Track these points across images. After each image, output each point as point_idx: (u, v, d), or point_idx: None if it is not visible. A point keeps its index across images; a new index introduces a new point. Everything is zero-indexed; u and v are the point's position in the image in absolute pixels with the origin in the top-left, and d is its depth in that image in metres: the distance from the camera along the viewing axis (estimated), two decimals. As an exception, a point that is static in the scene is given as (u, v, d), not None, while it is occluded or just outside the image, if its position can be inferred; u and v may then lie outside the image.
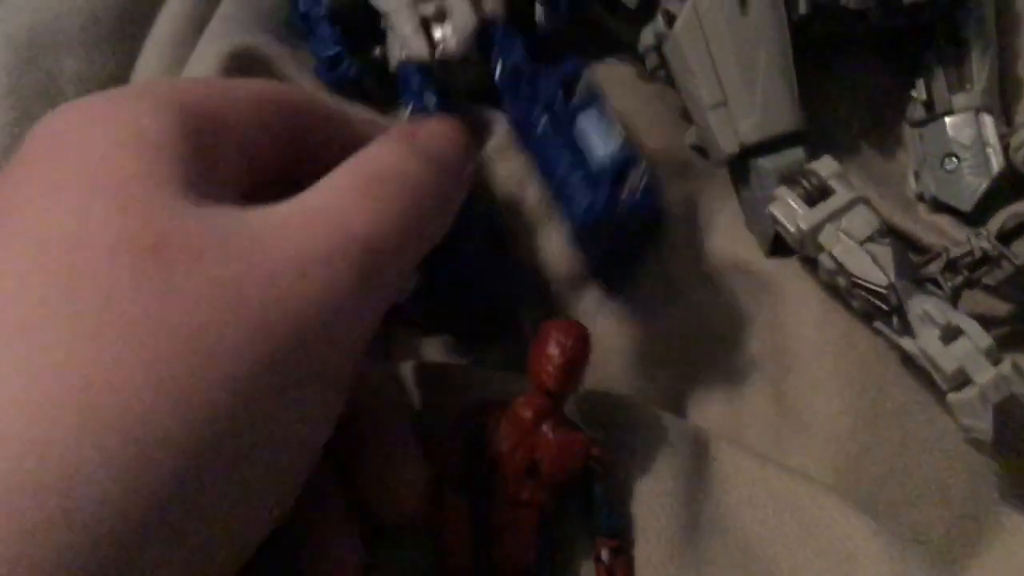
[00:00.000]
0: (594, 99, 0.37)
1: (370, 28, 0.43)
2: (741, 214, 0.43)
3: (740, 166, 0.41)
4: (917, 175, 0.43)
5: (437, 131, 0.32)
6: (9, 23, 0.45)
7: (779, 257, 0.41)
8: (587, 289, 0.41)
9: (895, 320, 0.37)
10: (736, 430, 0.40)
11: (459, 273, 0.37)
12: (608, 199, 0.35)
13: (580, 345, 0.33)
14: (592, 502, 0.34)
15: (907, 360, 0.38)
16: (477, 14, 0.41)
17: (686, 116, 0.43)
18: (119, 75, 0.46)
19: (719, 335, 0.41)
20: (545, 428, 0.33)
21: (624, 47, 0.45)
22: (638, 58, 0.44)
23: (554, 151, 0.37)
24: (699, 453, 0.36)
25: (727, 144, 0.40)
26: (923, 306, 0.36)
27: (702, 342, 0.41)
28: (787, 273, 0.41)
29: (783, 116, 0.40)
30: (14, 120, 0.43)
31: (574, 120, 0.37)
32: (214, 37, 0.44)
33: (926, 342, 0.36)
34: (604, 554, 0.34)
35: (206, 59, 0.43)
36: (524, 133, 0.40)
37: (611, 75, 0.46)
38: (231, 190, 0.28)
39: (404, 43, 0.41)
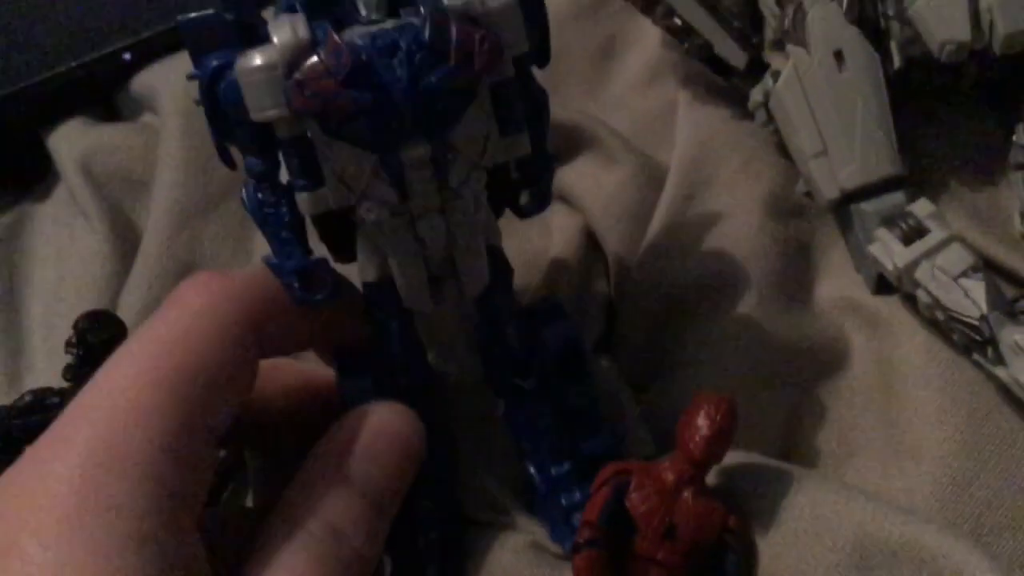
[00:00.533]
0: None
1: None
2: (849, 255, 0.45)
3: (844, 211, 0.44)
4: (1022, 215, 0.45)
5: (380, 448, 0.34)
6: (182, 76, 0.52)
7: (885, 295, 0.44)
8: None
9: (990, 351, 0.39)
10: (846, 455, 0.42)
11: None
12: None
13: (728, 419, 0.35)
14: (724, 573, 0.36)
15: (1006, 390, 0.40)
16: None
17: (798, 163, 0.46)
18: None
19: (829, 367, 0.44)
20: (686, 494, 0.35)
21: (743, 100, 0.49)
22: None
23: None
24: (858, 534, 0.37)
25: (829, 190, 0.43)
26: (1014, 336, 0.38)
27: (813, 373, 0.44)
28: (892, 309, 0.44)
29: (881, 163, 0.43)
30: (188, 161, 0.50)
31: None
32: None
33: (1017, 371, 0.38)
34: None
35: None
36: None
37: (730, 123, 0.50)
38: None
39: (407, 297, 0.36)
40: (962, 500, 0.40)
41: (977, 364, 0.40)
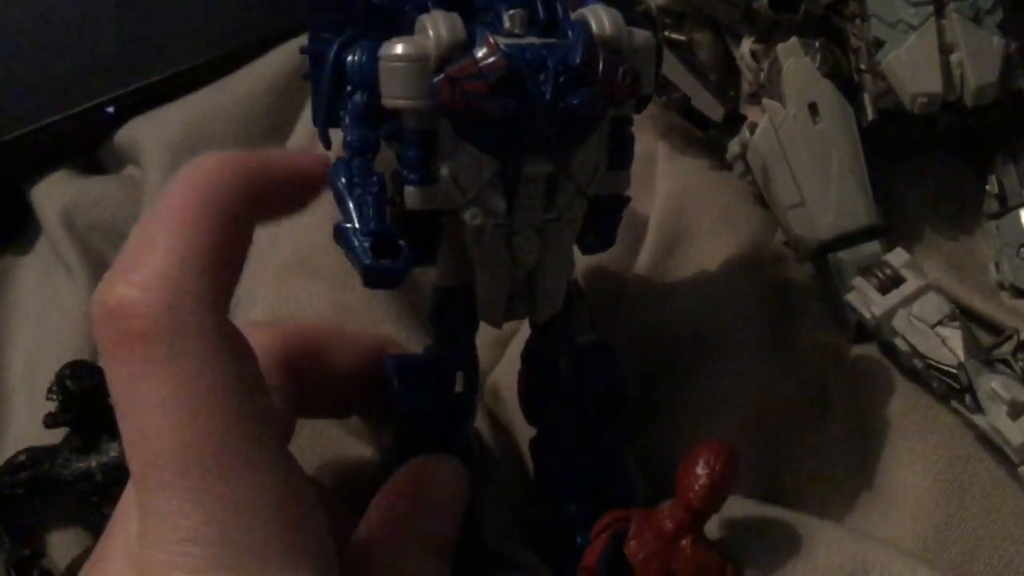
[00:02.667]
0: None
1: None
2: (827, 303, 0.46)
3: (822, 260, 0.45)
4: (997, 264, 0.46)
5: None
6: (165, 128, 0.52)
7: (863, 343, 0.44)
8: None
9: (968, 398, 0.39)
10: (828, 505, 0.43)
11: None
12: None
13: (728, 468, 0.35)
14: None
15: (985, 437, 0.40)
16: None
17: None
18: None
19: (808, 417, 0.44)
20: (684, 543, 0.35)
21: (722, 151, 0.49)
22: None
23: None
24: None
25: (807, 241, 0.44)
26: (991, 384, 0.38)
27: (794, 424, 0.44)
28: (871, 357, 0.44)
29: (857, 213, 0.43)
30: None
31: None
32: None
33: (994, 418, 0.38)
34: None
35: None
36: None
37: (708, 174, 0.50)
38: None
39: None
40: (945, 549, 0.40)
41: (955, 411, 0.41)
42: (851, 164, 0.43)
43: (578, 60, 0.31)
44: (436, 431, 0.37)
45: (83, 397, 0.43)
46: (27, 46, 0.56)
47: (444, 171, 0.31)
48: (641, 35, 0.33)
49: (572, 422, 0.39)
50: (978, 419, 0.39)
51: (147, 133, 0.54)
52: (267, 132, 0.52)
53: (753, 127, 0.45)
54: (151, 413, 0.27)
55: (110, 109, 0.55)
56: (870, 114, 0.44)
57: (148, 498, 0.27)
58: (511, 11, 0.32)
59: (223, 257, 0.30)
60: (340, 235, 0.32)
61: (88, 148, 0.57)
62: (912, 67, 0.43)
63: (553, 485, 0.40)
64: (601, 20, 0.31)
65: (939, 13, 0.43)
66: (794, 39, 0.44)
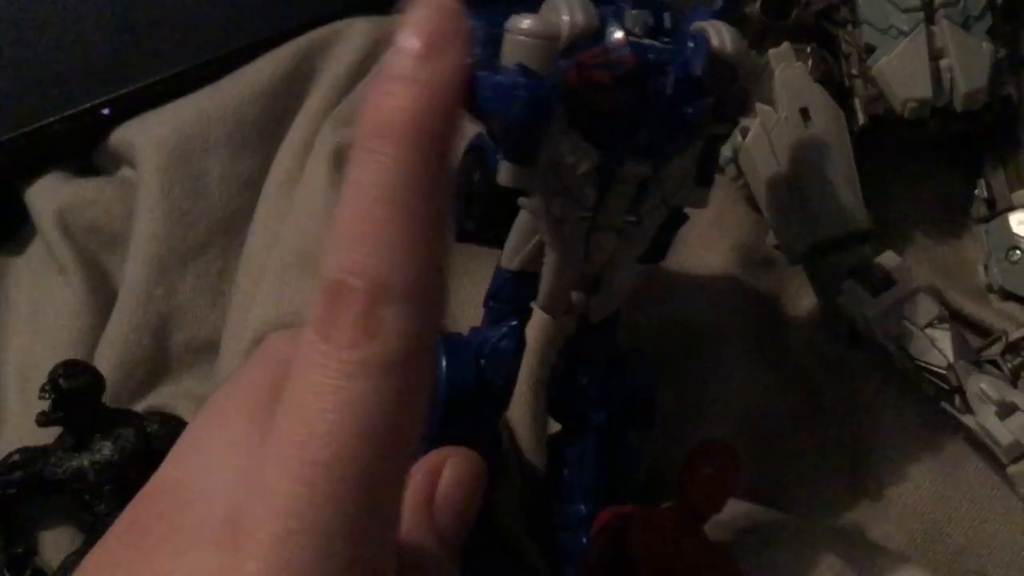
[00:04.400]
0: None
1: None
2: (818, 306, 0.46)
3: (813, 263, 0.45)
4: (986, 267, 0.46)
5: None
6: (159, 130, 0.52)
7: (854, 345, 0.45)
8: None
9: (957, 399, 0.40)
10: (820, 506, 0.43)
11: None
12: None
13: (732, 469, 0.35)
14: None
15: (974, 438, 0.40)
16: None
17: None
18: (258, 176, 0.52)
19: (802, 419, 0.45)
20: (685, 542, 0.36)
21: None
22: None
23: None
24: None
25: (798, 244, 0.44)
26: (980, 385, 0.39)
27: (786, 426, 0.45)
28: (863, 360, 0.45)
29: (848, 217, 0.44)
30: (167, 214, 0.50)
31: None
32: (324, 139, 0.51)
33: (983, 418, 0.38)
34: None
35: (319, 159, 0.49)
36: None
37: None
38: None
39: None
40: (934, 548, 0.41)
41: (945, 412, 0.41)
42: (842, 168, 0.44)
43: (699, 71, 0.30)
44: (476, 418, 0.37)
45: (76, 396, 0.43)
46: (22, 47, 0.56)
47: (544, 155, 0.31)
48: (752, 57, 0.33)
49: (599, 423, 0.39)
50: (967, 419, 0.39)
51: (141, 135, 0.54)
52: (261, 134, 0.52)
53: (745, 131, 0.46)
54: None
55: (105, 111, 0.55)
56: (861, 119, 0.45)
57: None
58: (634, 11, 0.31)
59: None
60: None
61: (83, 149, 0.57)
62: (902, 72, 0.43)
63: (567, 483, 0.40)
64: (723, 36, 0.31)
65: (929, 19, 0.43)
66: (786, 44, 0.45)
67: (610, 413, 0.39)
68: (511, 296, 0.36)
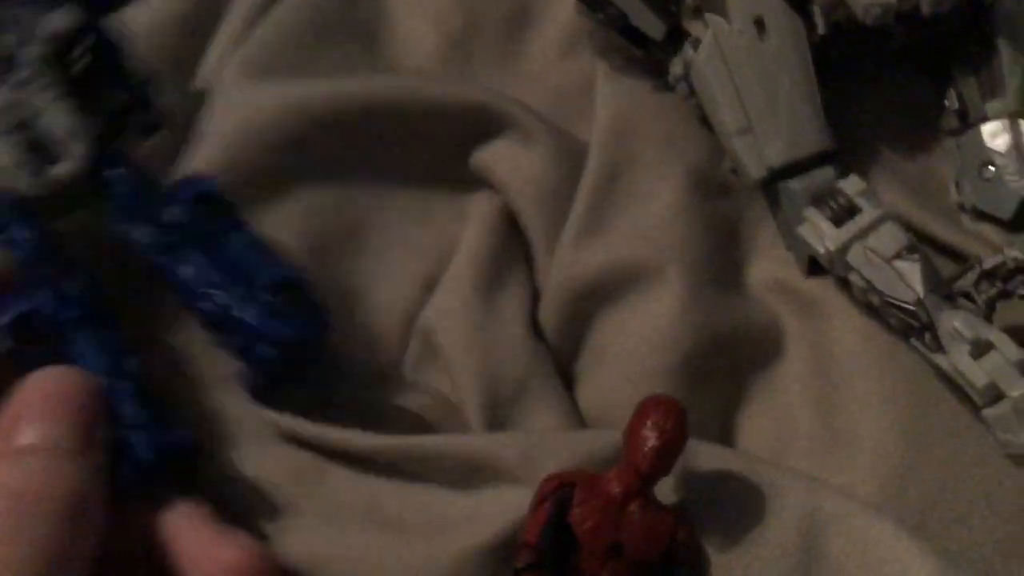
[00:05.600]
0: (237, 221, 0.38)
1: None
2: (779, 234, 0.43)
3: (772, 189, 0.41)
4: (958, 185, 0.43)
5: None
6: None
7: (818, 277, 0.42)
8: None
9: (928, 337, 0.37)
10: (783, 447, 0.40)
11: None
12: (281, 319, 0.36)
13: (678, 428, 0.33)
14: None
15: (946, 377, 0.37)
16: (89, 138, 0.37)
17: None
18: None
19: (763, 356, 0.42)
20: (632, 508, 0.33)
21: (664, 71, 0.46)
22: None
23: (203, 274, 0.37)
24: (801, 528, 0.36)
25: (755, 169, 0.41)
26: (953, 322, 0.36)
27: (747, 364, 0.42)
28: (826, 292, 0.41)
29: (809, 138, 0.40)
30: None
31: (220, 241, 0.37)
32: None
33: (956, 358, 0.36)
34: None
35: None
36: (160, 261, 0.38)
37: (652, 96, 0.46)
38: None
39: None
40: (906, 494, 0.38)
41: (915, 349, 0.38)
42: (801, 84, 0.40)
43: None
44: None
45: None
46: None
47: None
48: None
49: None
50: (939, 359, 0.36)
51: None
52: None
53: (696, 43, 0.42)
54: None
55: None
56: (821, 28, 0.41)
57: None
58: None
59: None
60: None
61: None
62: (865, -26, 0.39)
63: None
64: None
65: (894, -84, 0.39)
66: (737, -52, 0.41)
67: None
68: None
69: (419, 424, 0.41)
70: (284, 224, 0.42)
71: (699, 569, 0.35)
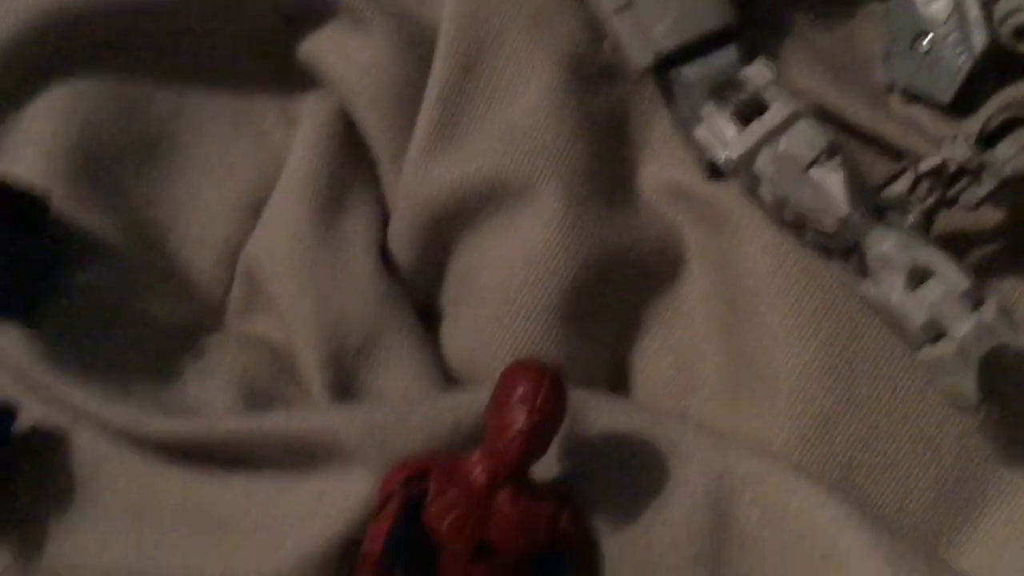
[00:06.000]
0: None
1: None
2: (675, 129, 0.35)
3: (662, 78, 0.34)
4: (887, 59, 0.35)
5: None
6: None
7: (723, 180, 0.34)
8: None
9: (853, 260, 0.30)
10: (685, 390, 0.34)
11: None
12: None
13: (552, 402, 0.26)
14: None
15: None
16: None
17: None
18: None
19: (661, 278, 0.35)
20: (501, 498, 0.27)
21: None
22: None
23: None
24: (710, 498, 0.30)
25: (640, 55, 0.33)
26: (883, 244, 0.29)
27: (640, 287, 0.35)
28: (732, 198, 0.34)
29: (704, 13, 0.32)
30: None
31: None
32: None
33: (887, 289, 0.29)
34: None
35: None
36: None
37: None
38: None
39: None
40: (830, 440, 0.32)
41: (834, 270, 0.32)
42: (692, -56, 0.32)
43: None
44: None
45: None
46: None
47: None
48: None
49: None
50: (866, 288, 0.30)
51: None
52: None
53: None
54: None
55: None
56: None
57: None
58: None
59: None
60: None
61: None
62: None
63: None
64: None
65: None
66: None
67: None
68: None
69: (244, 387, 0.34)
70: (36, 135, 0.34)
71: (590, 557, 0.29)
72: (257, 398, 0.34)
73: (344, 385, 0.34)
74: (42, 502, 0.31)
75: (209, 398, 0.33)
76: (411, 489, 0.27)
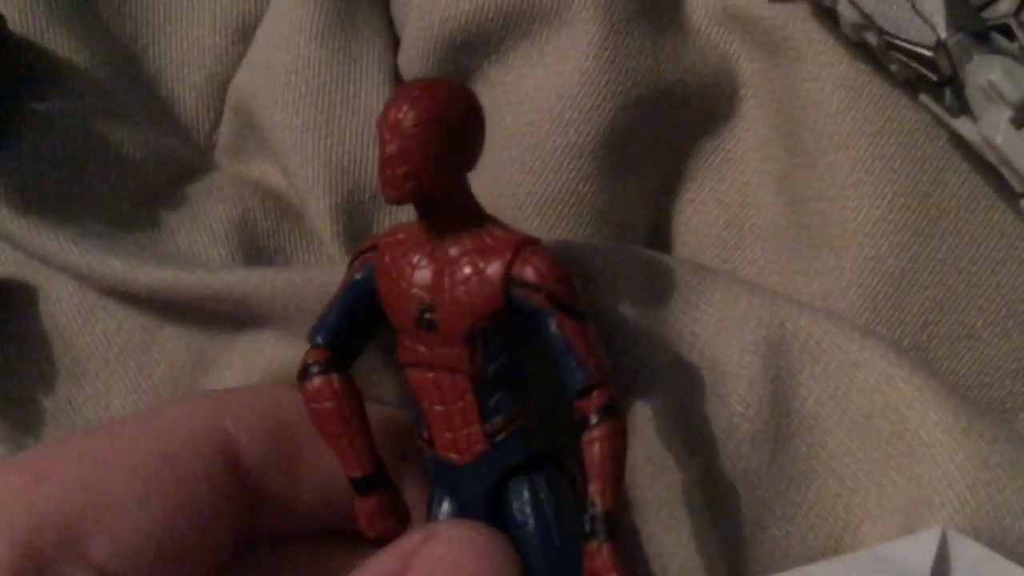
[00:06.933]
0: None
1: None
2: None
3: None
4: None
5: None
6: None
7: (786, 0, 0.29)
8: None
9: (948, 95, 0.25)
10: (736, 245, 0.31)
11: None
12: None
13: (411, 116, 0.20)
14: (550, 347, 0.22)
15: (962, 143, 0.27)
16: None
17: None
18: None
19: (710, 115, 0.31)
20: (433, 252, 0.22)
21: None
22: None
23: None
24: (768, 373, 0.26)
25: None
26: (988, 74, 0.24)
27: (689, 127, 0.31)
28: (799, 21, 0.29)
29: None
30: None
31: None
32: None
33: (992, 127, 0.24)
34: (596, 417, 0.21)
35: None
36: None
37: None
38: None
39: None
40: (902, 304, 0.29)
41: (925, 107, 0.27)
42: None
43: None
44: None
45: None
46: None
47: None
48: None
49: None
50: (962, 126, 0.25)
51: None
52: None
53: None
54: None
55: None
56: None
57: None
58: None
59: None
60: None
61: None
62: None
63: None
64: None
65: None
66: None
67: None
68: None
69: (242, 239, 0.30)
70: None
71: (577, 318, 0.22)
72: (257, 251, 0.30)
73: (359, 233, 0.29)
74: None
75: (200, 252, 0.29)
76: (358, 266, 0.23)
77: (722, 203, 0.31)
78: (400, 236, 0.23)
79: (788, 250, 0.30)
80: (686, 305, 0.26)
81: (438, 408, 0.22)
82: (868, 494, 0.25)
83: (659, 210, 0.31)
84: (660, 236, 0.31)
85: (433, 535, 0.22)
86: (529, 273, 0.21)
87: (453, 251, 0.22)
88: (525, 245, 0.22)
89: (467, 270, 0.22)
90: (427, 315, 0.22)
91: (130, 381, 0.28)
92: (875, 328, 0.28)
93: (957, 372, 0.28)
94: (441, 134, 0.21)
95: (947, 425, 0.25)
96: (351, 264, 0.24)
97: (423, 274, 0.22)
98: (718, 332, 0.26)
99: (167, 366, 0.28)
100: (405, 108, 0.20)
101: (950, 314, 0.28)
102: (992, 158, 0.25)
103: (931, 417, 0.25)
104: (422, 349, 0.22)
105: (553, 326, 0.21)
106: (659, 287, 0.27)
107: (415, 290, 0.22)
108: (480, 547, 0.22)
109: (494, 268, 0.21)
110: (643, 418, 0.25)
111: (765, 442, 0.26)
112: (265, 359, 0.27)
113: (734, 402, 0.26)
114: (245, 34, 0.32)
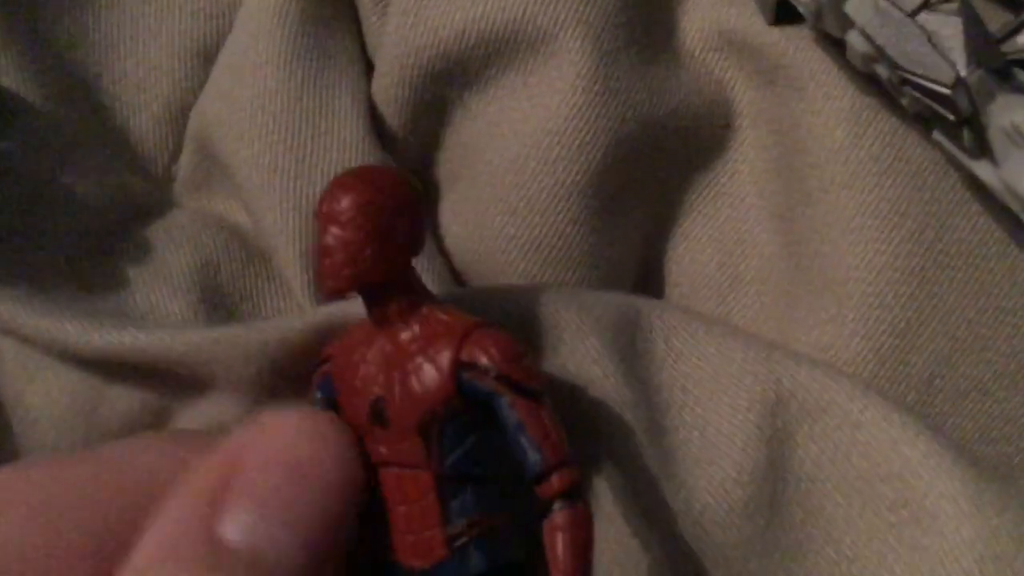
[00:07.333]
0: None
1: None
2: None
3: None
4: None
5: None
6: None
7: (787, 26, 0.28)
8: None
9: (966, 134, 0.24)
10: (729, 289, 0.29)
11: None
12: None
13: (345, 204, 0.20)
14: (504, 431, 0.20)
15: (973, 185, 0.25)
16: None
17: None
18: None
19: (705, 147, 0.29)
20: (383, 344, 0.21)
21: None
22: None
23: None
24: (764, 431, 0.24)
25: None
26: (1011, 115, 0.22)
27: (681, 160, 0.29)
28: (802, 49, 0.27)
29: None
30: None
31: None
32: None
33: (1015, 173, 0.23)
34: (557, 504, 0.20)
35: None
36: None
37: None
38: None
39: None
40: (908, 357, 0.27)
41: (939, 145, 0.25)
42: None
43: None
44: None
45: None
46: None
47: None
48: None
49: None
50: (981, 169, 0.24)
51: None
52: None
53: None
54: None
55: None
56: None
57: None
58: None
59: None
60: None
61: None
62: None
63: None
64: None
65: None
66: None
67: None
68: None
69: (204, 285, 0.27)
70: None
71: (534, 396, 0.21)
72: (221, 298, 0.28)
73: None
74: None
75: (160, 305, 0.27)
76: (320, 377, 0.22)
77: (716, 241, 0.29)
78: (349, 340, 0.22)
79: (786, 294, 0.28)
80: (676, 359, 0.25)
81: (402, 508, 0.21)
82: (867, 564, 0.24)
83: (649, 248, 0.29)
84: (651, 277, 0.29)
85: (259, 427, 0.21)
86: (478, 355, 0.20)
87: (403, 337, 0.21)
88: (475, 328, 0.20)
89: (417, 359, 0.20)
90: (379, 409, 0.21)
91: (79, 440, 0.26)
92: (879, 382, 0.26)
93: (963, 427, 0.27)
94: (378, 219, 0.20)
95: (954, 495, 0.23)
96: (311, 383, 0.22)
97: (373, 369, 0.21)
98: (711, 389, 0.24)
99: (119, 425, 0.26)
100: (339, 196, 0.20)
101: (957, 367, 0.26)
102: (1015, 206, 0.23)
103: (937, 486, 0.23)
104: (382, 449, 0.21)
105: (505, 407, 0.20)
106: (643, 339, 0.25)
107: (366, 385, 0.21)
108: (313, 431, 0.21)
109: (443, 354, 0.20)
110: (618, 492, 0.23)
111: (759, 509, 0.24)
112: (228, 418, 0.25)
113: (727, 466, 0.24)
114: (207, 59, 0.30)
